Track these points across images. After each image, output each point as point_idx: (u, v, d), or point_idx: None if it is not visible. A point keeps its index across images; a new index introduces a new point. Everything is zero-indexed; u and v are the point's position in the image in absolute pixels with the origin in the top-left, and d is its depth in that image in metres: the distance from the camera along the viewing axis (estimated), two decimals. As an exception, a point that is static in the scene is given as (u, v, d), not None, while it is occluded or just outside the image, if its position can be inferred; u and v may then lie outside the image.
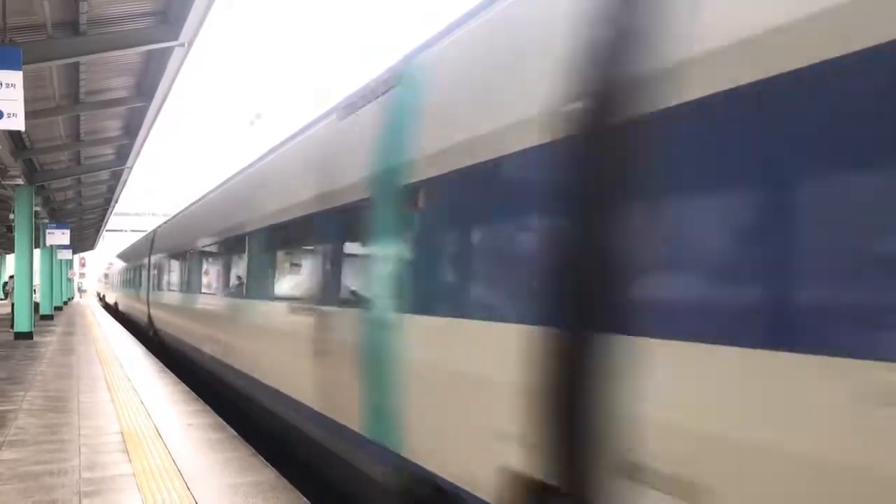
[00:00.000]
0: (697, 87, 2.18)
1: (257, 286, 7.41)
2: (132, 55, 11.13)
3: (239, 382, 8.05)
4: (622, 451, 2.38)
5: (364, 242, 4.70)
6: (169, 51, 10.55)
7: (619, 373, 2.41)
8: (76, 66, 11.40)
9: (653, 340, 2.30)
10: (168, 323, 14.23)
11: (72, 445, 6.27)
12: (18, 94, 7.60)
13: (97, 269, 66.84)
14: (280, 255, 7.07)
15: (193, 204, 13.39)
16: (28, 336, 17.44)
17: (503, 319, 3.07)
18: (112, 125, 16.33)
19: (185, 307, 12.01)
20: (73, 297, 54.15)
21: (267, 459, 6.08)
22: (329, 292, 5.26)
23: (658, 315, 2.30)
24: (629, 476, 2.35)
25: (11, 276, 19.78)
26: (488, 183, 3.35)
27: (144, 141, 17.14)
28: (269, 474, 5.39)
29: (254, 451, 6.15)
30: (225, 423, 7.39)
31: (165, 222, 17.65)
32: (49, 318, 25.70)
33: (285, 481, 5.22)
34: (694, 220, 2.24)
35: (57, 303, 31.56)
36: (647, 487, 2.28)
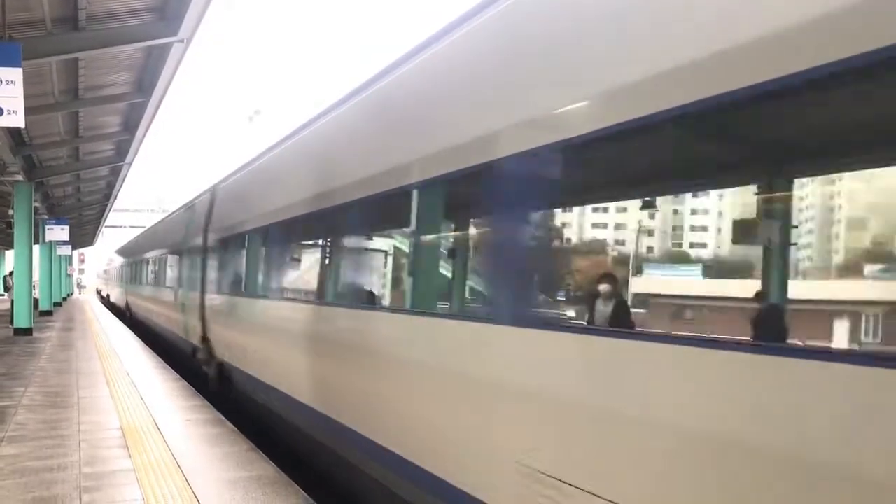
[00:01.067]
0: None
1: None
2: (131, 51, 11.12)
3: None
4: None
5: None
6: (168, 47, 10.55)
7: None
8: (75, 61, 11.40)
9: None
10: None
11: (71, 441, 6.29)
12: (18, 90, 7.60)
13: (97, 265, 66.64)
14: None
15: None
16: (27, 332, 17.45)
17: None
18: (111, 121, 16.32)
19: None
20: (72, 293, 54.14)
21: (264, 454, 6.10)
22: None
23: None
24: None
25: (11, 272, 19.78)
26: None
27: (143, 137, 17.14)
28: (268, 469, 5.42)
29: (253, 445, 6.18)
30: (224, 418, 7.41)
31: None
32: (48, 313, 25.71)
33: (285, 476, 5.24)
34: None
35: (56, 299, 31.55)
36: None
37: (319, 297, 6.49)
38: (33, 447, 6.06)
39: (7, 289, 24.80)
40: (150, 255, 19.08)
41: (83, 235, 45.45)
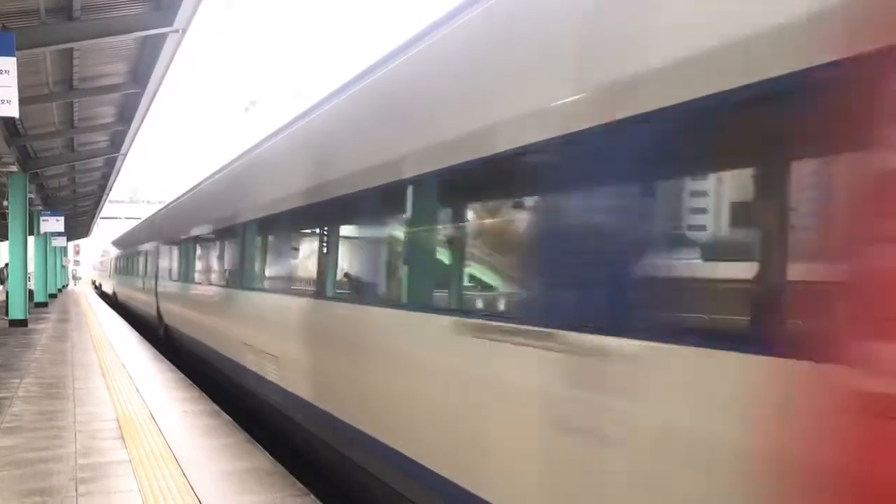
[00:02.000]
0: None
1: None
2: (126, 41, 11.06)
3: None
4: None
5: None
6: (163, 37, 10.49)
7: None
8: (70, 52, 11.32)
9: None
10: None
11: (67, 432, 6.29)
12: (12, 80, 7.57)
13: (92, 256, 66.50)
14: None
15: None
16: (22, 323, 17.43)
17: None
18: (106, 112, 16.24)
19: None
20: (67, 285, 54.03)
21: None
22: None
23: None
24: None
25: (7, 264, 19.75)
26: None
27: (139, 128, 17.06)
28: (264, 460, 5.42)
29: (249, 437, 6.19)
30: (220, 409, 7.42)
31: None
32: (43, 305, 25.67)
33: (281, 467, 5.25)
34: None
35: (51, 290, 31.48)
36: None
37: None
38: (29, 438, 6.05)
39: (2, 281, 24.87)
40: (111, 257, 37.17)
41: (78, 227, 45.31)
